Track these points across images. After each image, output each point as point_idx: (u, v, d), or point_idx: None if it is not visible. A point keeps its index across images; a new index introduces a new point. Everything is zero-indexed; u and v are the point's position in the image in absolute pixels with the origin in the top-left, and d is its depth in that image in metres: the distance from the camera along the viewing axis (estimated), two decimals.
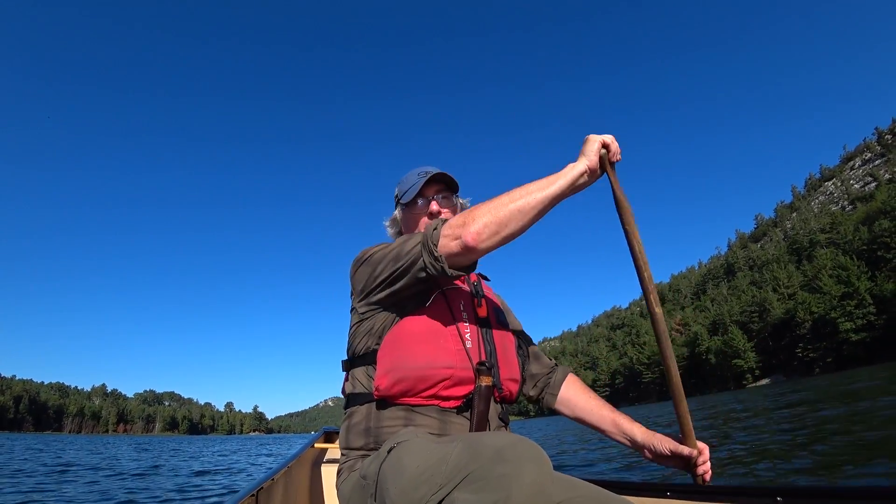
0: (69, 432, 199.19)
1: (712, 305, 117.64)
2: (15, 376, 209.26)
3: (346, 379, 1.30)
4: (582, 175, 1.13)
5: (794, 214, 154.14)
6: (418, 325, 1.19)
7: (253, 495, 1.49)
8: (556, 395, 1.45)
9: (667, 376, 1.20)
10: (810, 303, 75.52)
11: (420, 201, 1.40)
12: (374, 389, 1.16)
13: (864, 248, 77.56)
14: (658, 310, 1.19)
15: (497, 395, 1.22)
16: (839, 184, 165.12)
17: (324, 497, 2.26)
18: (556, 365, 1.52)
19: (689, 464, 1.20)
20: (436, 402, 1.14)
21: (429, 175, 1.38)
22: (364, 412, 1.18)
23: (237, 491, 1.73)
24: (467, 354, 1.18)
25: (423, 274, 1.15)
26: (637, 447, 1.31)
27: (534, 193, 1.08)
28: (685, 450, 1.20)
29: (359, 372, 1.23)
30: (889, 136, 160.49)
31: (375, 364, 1.18)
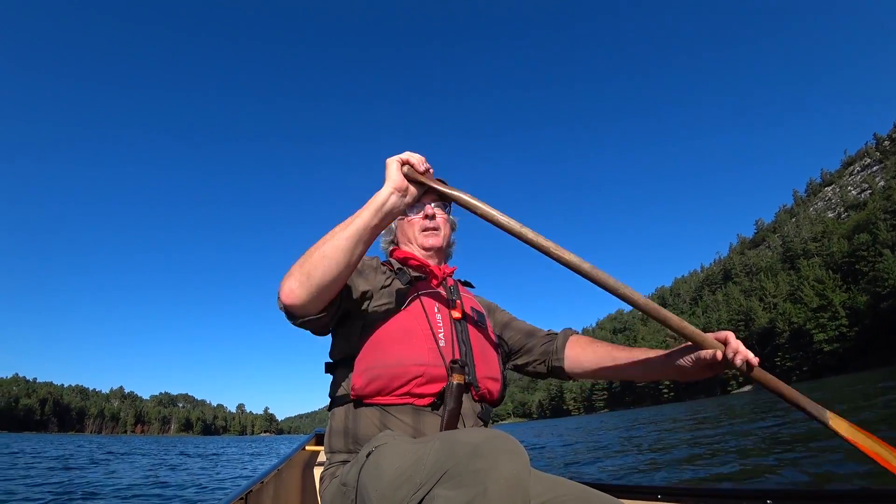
0: (90, 433, 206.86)
1: (703, 313, 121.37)
2: (36, 379, 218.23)
3: (331, 382, 1.33)
4: (388, 198, 1.14)
5: (793, 220, 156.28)
6: (393, 327, 1.24)
7: (242, 498, 1.48)
8: (562, 358, 1.42)
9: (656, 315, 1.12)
10: (790, 313, 79.26)
11: (416, 206, 1.45)
12: (350, 389, 1.19)
13: (845, 260, 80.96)
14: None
15: (474, 393, 1.24)
16: (837, 190, 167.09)
17: (313, 500, 2.25)
18: (554, 332, 1.51)
19: (723, 361, 1.09)
20: (409, 399, 1.17)
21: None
22: (343, 414, 1.22)
23: (226, 494, 1.82)
24: (440, 353, 1.21)
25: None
26: (665, 374, 1.23)
27: (337, 234, 1.10)
28: (709, 351, 1.10)
29: (339, 374, 1.27)
30: (887, 143, 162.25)
31: (350, 365, 1.23)
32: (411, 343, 1.21)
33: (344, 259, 1.10)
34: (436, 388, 1.19)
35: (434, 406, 1.19)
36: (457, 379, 1.18)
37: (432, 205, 1.50)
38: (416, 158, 1.20)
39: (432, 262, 1.48)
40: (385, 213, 1.15)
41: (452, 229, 1.59)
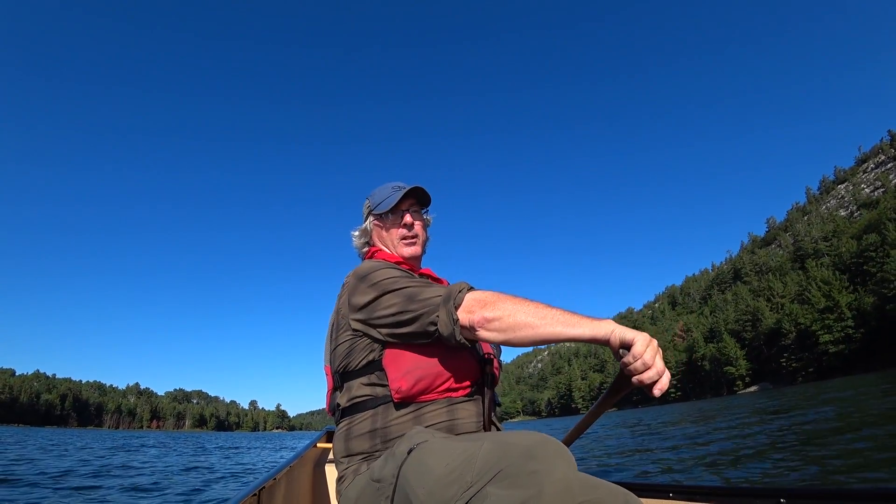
0: (108, 427, 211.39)
1: (711, 313, 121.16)
2: (56, 375, 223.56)
3: (339, 390, 1.32)
4: (600, 341, 1.05)
5: (805, 218, 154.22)
6: None
7: (255, 495, 1.50)
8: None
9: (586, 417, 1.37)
10: (797, 314, 79.21)
11: (394, 213, 1.48)
12: (393, 392, 1.20)
13: (853, 261, 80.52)
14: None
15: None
16: (850, 187, 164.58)
17: (325, 497, 2.28)
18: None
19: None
20: (448, 394, 1.23)
21: (406, 189, 1.46)
22: (368, 417, 1.22)
23: (239, 490, 1.74)
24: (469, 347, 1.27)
25: (433, 328, 1.17)
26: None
27: (555, 326, 1.07)
28: None
29: (357, 383, 1.27)
30: None
31: (377, 372, 1.24)
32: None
33: (536, 343, 1.10)
34: (472, 378, 1.27)
35: (469, 396, 1.26)
36: (490, 369, 1.29)
37: (410, 210, 1.50)
38: (642, 373, 0.98)
39: (415, 266, 1.53)
40: (590, 341, 1.05)
41: (427, 226, 1.61)
